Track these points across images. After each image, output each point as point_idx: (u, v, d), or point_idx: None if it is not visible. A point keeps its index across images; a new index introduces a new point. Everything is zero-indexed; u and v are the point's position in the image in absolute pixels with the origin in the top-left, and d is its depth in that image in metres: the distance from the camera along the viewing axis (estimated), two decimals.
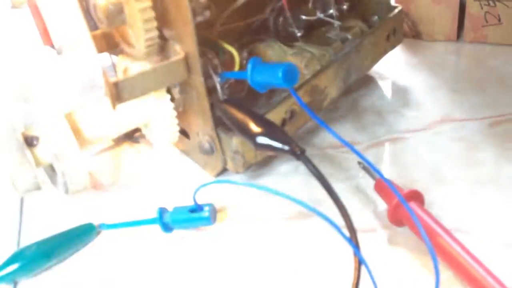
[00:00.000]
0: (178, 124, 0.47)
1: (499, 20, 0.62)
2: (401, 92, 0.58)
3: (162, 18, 0.42)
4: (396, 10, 0.57)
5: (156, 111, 0.45)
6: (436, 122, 0.52)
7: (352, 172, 0.47)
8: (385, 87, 0.59)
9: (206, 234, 0.44)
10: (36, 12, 0.55)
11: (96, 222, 0.45)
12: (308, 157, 0.38)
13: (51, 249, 0.41)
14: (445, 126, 0.52)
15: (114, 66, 0.49)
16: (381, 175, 0.38)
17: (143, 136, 0.54)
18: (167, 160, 0.53)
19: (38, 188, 0.42)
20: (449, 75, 0.60)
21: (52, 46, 0.59)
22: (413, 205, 0.40)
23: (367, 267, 0.33)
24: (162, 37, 0.44)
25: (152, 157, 0.53)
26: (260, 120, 0.41)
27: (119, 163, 0.53)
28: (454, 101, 0.55)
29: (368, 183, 0.45)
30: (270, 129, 0.40)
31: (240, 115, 0.42)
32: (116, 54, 0.49)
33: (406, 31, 0.67)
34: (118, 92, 0.40)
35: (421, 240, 0.39)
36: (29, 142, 0.40)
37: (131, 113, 0.45)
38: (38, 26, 0.57)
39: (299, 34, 0.51)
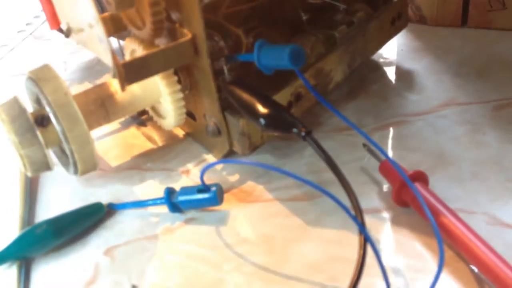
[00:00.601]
0: (185, 106, 0.48)
1: (504, 5, 0.62)
2: (405, 76, 0.59)
3: (169, 0, 0.43)
4: None
5: (164, 93, 0.45)
6: (440, 105, 0.53)
7: (356, 154, 0.48)
8: (390, 71, 0.60)
9: (213, 214, 0.44)
10: None
11: (105, 202, 0.45)
12: (314, 137, 0.39)
13: (61, 227, 0.42)
14: (449, 109, 0.52)
15: (121, 49, 0.50)
16: (387, 156, 0.39)
17: (150, 119, 0.55)
18: (174, 142, 0.53)
19: (48, 168, 0.42)
20: (453, 59, 0.60)
21: (60, 30, 0.60)
22: (417, 185, 0.40)
23: (372, 244, 0.34)
24: (169, 19, 0.45)
25: (159, 139, 0.54)
26: (267, 101, 0.41)
27: (127, 146, 0.53)
28: (458, 85, 0.56)
29: (372, 165, 0.46)
30: (277, 110, 0.41)
31: (246, 96, 0.42)
32: (123, 38, 0.50)
33: (410, 16, 0.67)
34: (126, 73, 0.40)
35: (425, 220, 0.39)
36: (39, 122, 0.41)
37: (139, 95, 0.45)
38: (46, 10, 0.57)
39: (305, 18, 0.51)
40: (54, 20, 0.58)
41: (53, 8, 0.56)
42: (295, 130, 0.39)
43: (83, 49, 0.68)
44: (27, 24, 0.81)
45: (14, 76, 0.69)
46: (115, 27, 0.48)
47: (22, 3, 0.87)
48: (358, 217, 0.35)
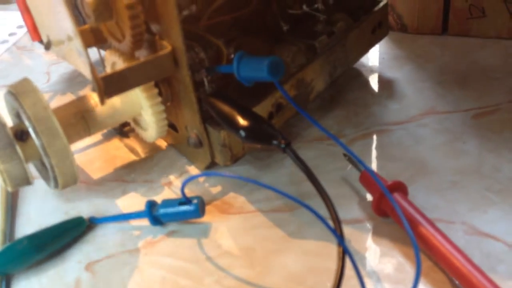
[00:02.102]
0: (167, 118, 0.48)
1: (483, 13, 0.62)
2: (386, 85, 0.59)
3: (149, 12, 0.43)
4: (382, 4, 0.57)
5: (144, 106, 0.45)
6: (421, 114, 0.53)
7: (338, 164, 0.48)
8: (371, 79, 0.60)
9: (195, 227, 0.44)
10: (24, 8, 0.55)
11: (86, 216, 0.45)
12: (293, 149, 0.39)
13: (42, 243, 0.42)
14: (429, 118, 0.53)
15: (102, 60, 0.50)
16: (366, 166, 0.39)
17: (132, 130, 0.55)
18: (156, 154, 0.53)
19: (28, 183, 0.42)
20: (434, 67, 0.61)
21: (41, 42, 0.59)
22: (396, 196, 0.40)
23: (350, 256, 0.34)
24: (149, 31, 0.45)
25: (142, 150, 0.53)
26: (247, 113, 0.42)
27: (109, 157, 0.53)
28: (438, 94, 0.56)
29: (353, 174, 0.46)
30: (257, 122, 0.41)
31: (226, 109, 0.43)
32: (105, 48, 0.50)
33: (392, 24, 0.68)
34: (106, 87, 0.40)
35: (404, 230, 0.39)
36: (19, 136, 0.41)
37: (120, 108, 0.45)
38: (27, 21, 0.57)
39: (285, 28, 0.51)
40: (35, 32, 0.58)
41: (33, 20, 0.56)
42: (274, 142, 0.39)
43: (57, 57, 0.68)
44: (10, 35, 0.80)
45: None
46: (96, 39, 0.48)
47: (4, 13, 0.86)
48: (337, 229, 0.36)
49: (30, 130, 0.40)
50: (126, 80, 0.41)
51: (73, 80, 0.67)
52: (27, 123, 0.40)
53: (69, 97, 0.63)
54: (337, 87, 0.58)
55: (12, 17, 0.85)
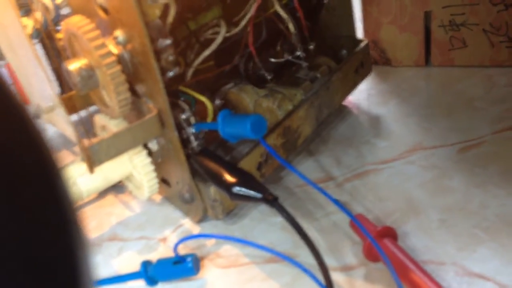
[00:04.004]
0: (158, 176, 0.49)
1: (464, 43, 0.64)
2: (373, 121, 0.60)
3: (133, 76, 0.44)
4: (362, 44, 0.58)
5: (135, 167, 0.47)
6: (408, 151, 0.54)
7: (330, 209, 0.49)
8: (358, 117, 0.61)
9: (191, 284, 0.45)
10: (13, 75, 0.57)
11: None
12: (280, 204, 0.40)
13: None
14: (416, 154, 0.54)
15: (92, 122, 0.51)
16: (352, 217, 0.40)
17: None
18: (151, 207, 0.54)
19: None
20: (419, 100, 0.62)
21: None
22: (386, 241, 0.41)
23: None
24: (135, 93, 0.46)
25: (136, 205, 0.54)
26: (234, 170, 0.43)
27: (105, 215, 0.54)
28: (424, 128, 0.57)
29: (345, 218, 0.47)
30: (244, 179, 0.42)
31: (214, 166, 0.44)
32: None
33: (376, 59, 0.69)
34: (95, 155, 0.41)
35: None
36: None
37: (111, 171, 0.46)
38: (18, 87, 0.59)
39: (269, 77, 0.53)
40: (24, 97, 0.59)
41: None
42: (261, 197, 0.40)
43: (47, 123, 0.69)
44: None
45: None
46: (84, 102, 0.50)
47: None
48: (327, 285, 0.36)
49: None
50: (114, 147, 0.43)
51: (67, 137, 0.68)
52: None
53: (64, 155, 0.65)
54: (325, 127, 0.59)
55: (3, 75, 0.86)
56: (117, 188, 0.57)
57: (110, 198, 0.56)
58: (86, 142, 0.41)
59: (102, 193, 0.57)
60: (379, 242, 0.41)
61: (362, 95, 0.64)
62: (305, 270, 0.36)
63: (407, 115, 0.60)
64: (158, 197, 0.55)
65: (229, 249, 0.47)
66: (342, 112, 0.62)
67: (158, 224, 0.52)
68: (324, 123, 0.59)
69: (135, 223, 0.53)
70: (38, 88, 0.46)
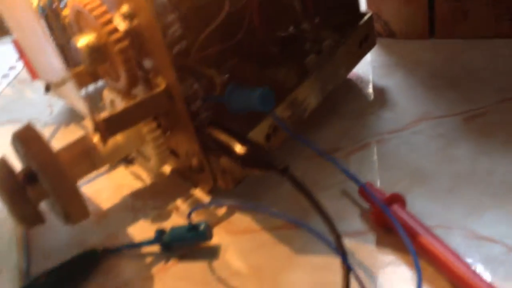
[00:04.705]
0: (168, 147, 0.49)
1: (467, 14, 0.64)
2: (378, 93, 0.60)
3: (141, 51, 0.45)
4: (366, 17, 0.59)
5: (145, 139, 0.47)
6: (414, 121, 0.55)
7: (337, 178, 0.49)
8: (363, 89, 0.62)
9: (204, 250, 0.46)
10: (21, 50, 0.57)
11: (99, 247, 0.47)
12: (291, 173, 0.40)
13: (60, 277, 0.44)
14: (422, 124, 0.54)
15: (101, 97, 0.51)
16: (361, 184, 0.41)
17: (136, 157, 0.57)
18: (162, 179, 0.55)
19: (41, 222, 0.44)
20: (424, 72, 0.62)
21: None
22: (395, 208, 0.42)
23: (355, 274, 0.36)
24: (142, 69, 0.46)
25: (147, 177, 0.55)
26: (244, 141, 0.43)
27: (117, 187, 0.55)
28: (430, 99, 0.57)
29: (353, 186, 0.48)
30: (254, 149, 0.43)
31: (224, 137, 0.44)
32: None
33: (380, 31, 0.69)
34: (106, 128, 0.42)
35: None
36: (28, 180, 0.43)
37: (122, 143, 0.47)
38: (25, 62, 0.59)
39: (274, 51, 0.53)
40: (33, 71, 0.60)
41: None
42: (272, 167, 0.41)
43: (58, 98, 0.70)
44: (10, 68, 0.82)
45: (0, 123, 0.70)
46: (92, 77, 0.50)
47: (3, 46, 0.88)
48: (339, 248, 0.37)
49: (38, 174, 0.42)
50: (125, 120, 0.43)
51: (75, 111, 0.69)
52: (34, 168, 0.42)
53: (73, 129, 0.65)
54: (330, 100, 0.59)
55: (11, 50, 0.86)
56: (128, 160, 0.57)
57: (120, 170, 0.57)
58: (97, 115, 0.42)
59: (113, 165, 0.57)
60: (389, 208, 0.42)
61: (366, 68, 0.65)
62: (318, 234, 0.36)
63: (412, 86, 0.60)
64: (167, 169, 0.55)
65: (240, 217, 0.48)
66: (346, 85, 0.62)
67: (169, 195, 0.52)
68: (330, 96, 0.59)
69: (146, 194, 0.53)
70: (46, 63, 0.46)
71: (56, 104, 0.72)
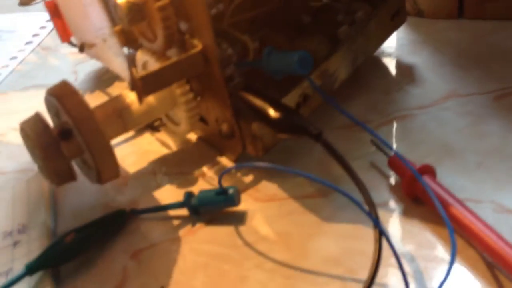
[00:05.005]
0: (198, 113, 0.49)
1: None
2: (406, 70, 0.60)
3: (179, 12, 0.45)
4: None
5: (178, 102, 0.47)
6: (442, 98, 0.55)
7: (364, 150, 0.50)
8: (390, 65, 0.62)
9: (231, 215, 0.46)
10: (53, 10, 0.57)
11: (126, 208, 0.47)
12: (325, 138, 0.41)
13: (89, 235, 0.44)
14: (451, 101, 0.54)
15: (133, 60, 0.52)
16: (395, 151, 0.41)
17: (163, 124, 0.57)
18: (187, 146, 0.55)
19: (73, 179, 0.44)
20: (452, 51, 0.62)
21: (70, 43, 0.62)
22: (426, 178, 0.42)
23: (387, 237, 0.36)
24: (178, 31, 0.46)
25: (173, 144, 0.55)
26: (278, 105, 0.44)
27: (143, 152, 0.55)
28: (458, 77, 0.57)
29: (381, 160, 0.48)
30: (288, 114, 0.43)
31: (257, 101, 0.44)
32: (135, 49, 0.51)
33: (408, 10, 0.69)
34: (143, 86, 0.42)
35: (435, 211, 0.41)
36: (62, 136, 0.43)
37: (155, 105, 0.47)
38: (56, 23, 0.59)
39: (307, 20, 0.53)
40: (64, 33, 0.60)
41: (63, 22, 0.58)
42: (307, 131, 0.41)
43: (91, 58, 0.70)
44: (33, 35, 0.82)
45: (25, 88, 0.71)
46: (126, 39, 0.50)
47: (26, 14, 0.88)
48: (372, 212, 0.38)
49: (73, 130, 0.43)
50: (161, 79, 0.43)
51: (100, 78, 0.69)
52: (70, 123, 0.42)
53: (98, 96, 0.65)
54: (358, 75, 0.59)
55: (34, 18, 0.87)
56: (153, 127, 0.58)
57: (146, 136, 0.57)
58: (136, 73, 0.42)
59: (139, 131, 0.58)
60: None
61: (394, 45, 0.65)
62: (352, 199, 0.37)
63: (440, 64, 0.60)
64: (193, 137, 0.56)
65: (266, 185, 0.49)
66: (374, 60, 0.62)
67: (195, 162, 0.53)
68: (357, 71, 0.59)
69: (172, 160, 0.54)
70: (85, 21, 0.47)
71: (80, 71, 0.72)
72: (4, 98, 0.70)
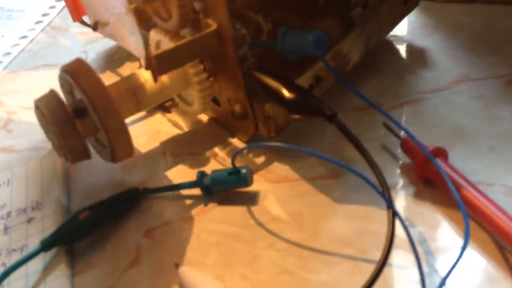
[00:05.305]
0: (211, 93, 0.50)
1: None
2: (418, 54, 0.60)
3: None
4: None
5: (192, 82, 0.47)
6: (455, 81, 0.55)
7: (377, 133, 0.50)
8: (402, 49, 0.61)
9: (244, 195, 0.46)
10: None
11: (139, 186, 0.48)
12: (339, 119, 0.41)
13: (103, 212, 0.44)
14: (463, 85, 0.54)
15: (146, 39, 0.51)
16: (409, 133, 0.41)
17: (174, 105, 0.57)
18: (199, 127, 0.55)
19: (88, 157, 0.45)
20: (464, 35, 0.62)
21: (82, 22, 0.62)
22: (438, 160, 0.42)
23: (400, 218, 0.36)
24: (192, 10, 0.46)
25: (184, 124, 0.56)
26: (292, 85, 0.44)
27: (154, 132, 0.55)
28: (470, 61, 0.57)
29: (392, 143, 0.48)
30: (303, 94, 0.43)
31: (272, 82, 0.44)
32: (147, 29, 0.51)
33: None
34: (158, 65, 0.42)
35: (447, 193, 0.41)
36: (78, 114, 0.43)
37: (168, 84, 0.47)
38: (67, 2, 0.59)
39: (320, 2, 0.53)
40: (76, 12, 0.60)
41: (75, 1, 0.58)
42: (321, 112, 0.41)
43: (101, 38, 0.70)
44: (43, 15, 0.82)
45: (35, 67, 0.71)
46: (140, 18, 0.50)
47: None
48: (385, 193, 0.38)
49: (88, 108, 0.43)
50: (176, 58, 0.43)
51: (110, 58, 0.69)
52: (85, 101, 0.42)
53: (108, 76, 0.65)
54: (370, 58, 0.59)
55: None
56: (165, 108, 0.58)
57: (157, 117, 0.57)
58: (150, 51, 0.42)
59: (150, 112, 0.58)
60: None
61: (406, 28, 0.64)
62: (367, 180, 0.37)
63: (452, 48, 0.60)
64: (205, 118, 0.56)
65: (278, 166, 0.49)
66: (386, 43, 0.62)
67: (207, 142, 0.53)
68: (369, 54, 0.59)
69: (184, 140, 0.54)
70: (100, 0, 0.46)
71: (90, 51, 0.72)
72: (14, 77, 0.70)
